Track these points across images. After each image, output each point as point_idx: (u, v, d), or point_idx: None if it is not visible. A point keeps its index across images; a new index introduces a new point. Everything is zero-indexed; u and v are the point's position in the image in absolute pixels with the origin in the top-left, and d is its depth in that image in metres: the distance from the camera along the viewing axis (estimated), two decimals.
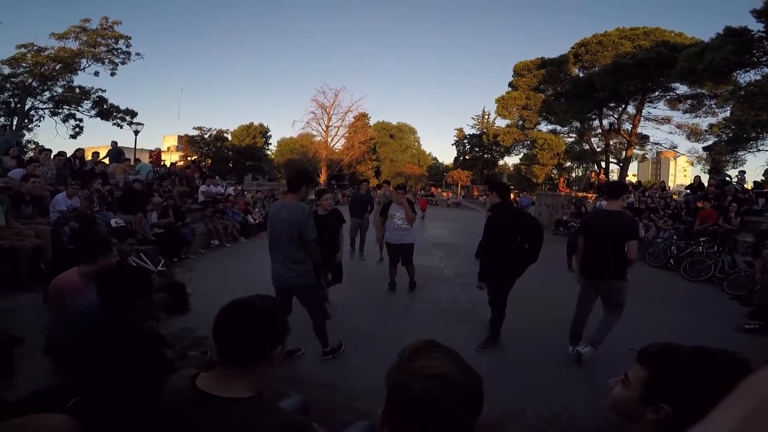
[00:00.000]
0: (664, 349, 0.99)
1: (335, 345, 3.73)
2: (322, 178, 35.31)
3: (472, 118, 43.93)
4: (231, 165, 37.45)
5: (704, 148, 23.97)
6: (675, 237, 9.60)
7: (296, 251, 3.27)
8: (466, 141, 42.46)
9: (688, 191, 12.82)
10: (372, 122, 44.78)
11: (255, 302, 1.23)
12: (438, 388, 0.78)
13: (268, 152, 43.61)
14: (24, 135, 23.90)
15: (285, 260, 3.30)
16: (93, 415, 1.52)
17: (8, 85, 22.52)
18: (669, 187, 15.97)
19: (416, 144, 54.84)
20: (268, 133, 42.62)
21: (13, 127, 22.87)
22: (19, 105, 23.11)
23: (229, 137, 39.05)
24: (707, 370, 0.88)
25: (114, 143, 12.37)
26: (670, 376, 0.93)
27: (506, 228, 3.80)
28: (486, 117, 41.28)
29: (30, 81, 22.85)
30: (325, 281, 4.06)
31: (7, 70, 22.22)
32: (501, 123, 36.84)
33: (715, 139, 22.11)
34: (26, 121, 23.88)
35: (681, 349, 0.96)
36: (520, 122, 33.74)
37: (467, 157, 42.30)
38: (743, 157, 20.85)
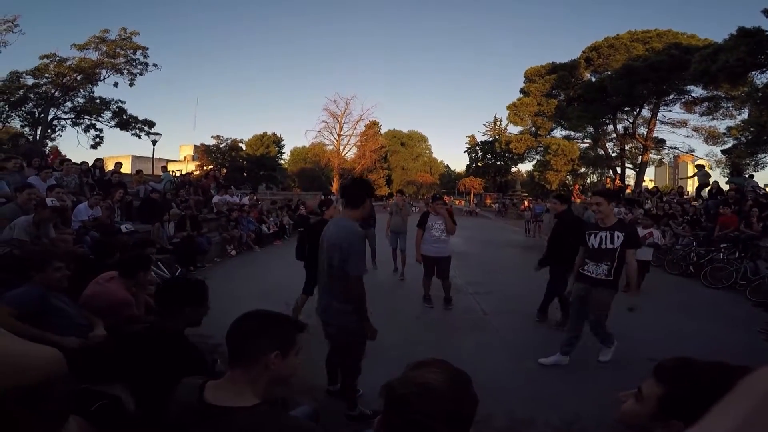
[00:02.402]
0: (682, 365, 0.95)
1: (366, 411, 2.86)
2: (335, 186, 35.55)
3: (484, 125, 43.91)
4: (245, 174, 37.97)
5: (723, 152, 23.47)
6: (695, 243, 9.39)
7: (338, 285, 2.53)
8: (478, 148, 42.30)
9: (707, 197, 12.51)
10: (383, 130, 45.07)
11: (264, 310, 1.31)
12: (417, 394, 0.86)
13: (282, 161, 44.14)
14: (47, 144, 24.69)
15: (327, 292, 2.64)
16: (118, 418, 1.56)
17: (32, 96, 23.28)
18: (687, 192, 15.57)
19: (428, 152, 54.84)
20: (282, 143, 43.21)
21: (37, 137, 23.67)
22: (42, 115, 23.85)
23: (244, 147, 39.66)
24: (726, 389, 0.85)
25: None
26: (686, 394, 0.90)
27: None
28: (498, 124, 41.17)
29: (53, 91, 23.59)
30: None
31: (30, 81, 22.98)
32: (513, 130, 36.73)
33: (734, 141, 21.65)
34: (49, 130, 24.63)
35: (698, 365, 0.93)
36: (533, 129, 33.52)
37: (479, 164, 42.11)
38: (764, 159, 20.35)
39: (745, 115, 21.51)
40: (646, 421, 0.95)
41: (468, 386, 0.92)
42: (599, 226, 3.67)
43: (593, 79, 28.45)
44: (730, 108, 23.60)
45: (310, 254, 4.46)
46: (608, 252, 3.56)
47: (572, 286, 3.90)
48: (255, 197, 14.43)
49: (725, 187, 12.05)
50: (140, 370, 1.71)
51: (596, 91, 26.47)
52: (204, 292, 2.05)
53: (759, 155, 20.03)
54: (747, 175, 12.40)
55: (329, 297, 2.62)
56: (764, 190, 12.19)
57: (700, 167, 13.75)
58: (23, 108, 23.44)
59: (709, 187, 12.31)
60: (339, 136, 37.62)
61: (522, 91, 32.97)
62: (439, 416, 0.85)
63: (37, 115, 23.96)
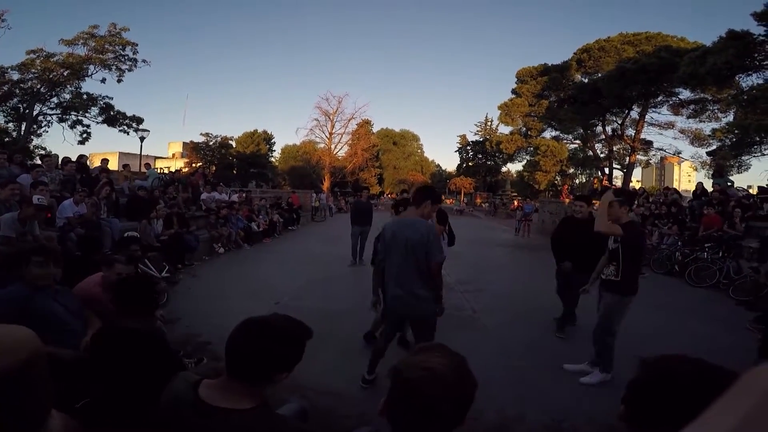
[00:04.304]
0: (654, 359, 0.99)
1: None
2: (326, 185, 35.43)
3: (475, 124, 44.09)
4: (235, 172, 37.66)
5: (708, 153, 23.91)
6: (680, 243, 9.56)
7: (419, 275, 2.94)
8: (469, 148, 42.49)
9: (692, 198, 12.69)
10: (375, 129, 44.93)
11: (273, 323, 1.21)
12: (425, 378, 0.90)
13: (272, 159, 43.83)
14: (32, 140, 24.22)
15: (404, 284, 2.97)
16: (99, 416, 1.53)
17: (17, 91, 22.79)
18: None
19: (419, 151, 54.85)
20: (272, 140, 42.90)
21: (22, 133, 23.20)
22: (27, 111, 23.37)
23: (234, 144, 39.32)
24: (664, 376, 0.90)
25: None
26: (633, 380, 0.97)
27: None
28: (489, 123, 41.38)
29: (39, 87, 23.12)
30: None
31: (16, 76, 22.49)
32: (504, 130, 36.97)
33: (719, 143, 22.04)
34: (35, 126, 24.14)
35: (665, 357, 0.97)
36: (524, 129, 33.78)
37: (470, 164, 42.31)
38: (748, 161, 20.75)
39: (730, 117, 21.91)
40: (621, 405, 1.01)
41: (468, 369, 0.98)
42: None
43: (585, 81, 28.72)
44: (716, 110, 24.03)
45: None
46: (613, 252, 3.51)
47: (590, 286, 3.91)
48: (244, 195, 14.34)
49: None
50: (115, 373, 1.66)
51: (588, 93, 26.71)
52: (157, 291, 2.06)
53: (743, 157, 20.41)
54: (729, 183, 12.48)
55: (411, 288, 2.95)
56: (746, 191, 12.44)
57: (721, 175, 13.56)
58: (8, 103, 22.96)
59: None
60: (330, 134, 37.47)
61: (513, 91, 33.16)
62: (446, 400, 0.90)
63: (22, 110, 23.48)
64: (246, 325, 1.19)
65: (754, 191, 12.43)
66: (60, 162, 8.86)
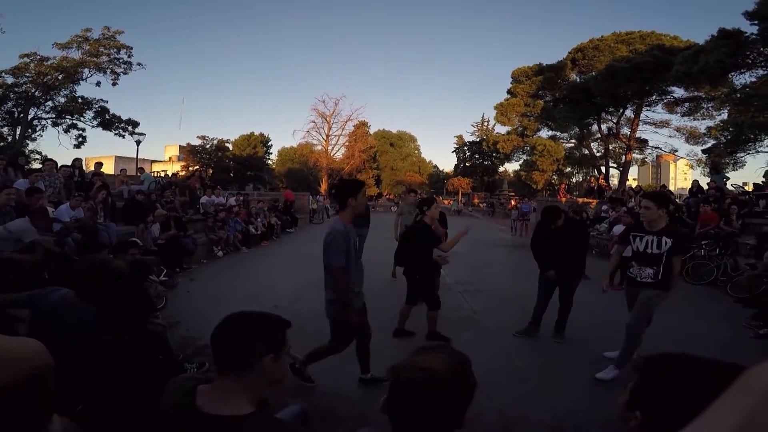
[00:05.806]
0: (654, 358, 0.97)
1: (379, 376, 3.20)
2: (323, 187, 35.41)
3: (472, 125, 44.08)
4: (232, 175, 37.58)
5: (703, 151, 24.03)
6: None
7: (327, 277, 2.94)
8: (466, 148, 42.57)
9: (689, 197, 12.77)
10: (372, 131, 45.01)
11: (250, 311, 1.27)
12: (420, 379, 0.91)
13: (269, 162, 43.79)
14: (27, 145, 24.09)
15: (325, 287, 3.02)
16: (98, 421, 1.52)
17: (11, 95, 22.66)
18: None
19: (416, 152, 54.92)
20: (269, 143, 42.87)
21: (17, 137, 23.05)
22: (22, 115, 23.22)
23: (230, 147, 39.25)
24: (678, 378, 0.87)
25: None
26: (644, 383, 0.93)
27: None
28: (485, 124, 41.45)
29: (33, 90, 22.99)
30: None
31: (10, 80, 22.37)
32: (501, 129, 37.03)
33: (714, 141, 22.17)
34: (29, 131, 24.01)
35: (668, 357, 0.95)
36: (520, 129, 33.87)
37: (467, 164, 42.37)
38: (743, 158, 20.88)
39: (724, 115, 22.05)
40: (625, 411, 0.97)
41: (468, 371, 0.98)
42: (646, 229, 3.49)
43: (579, 80, 28.82)
44: (711, 108, 24.15)
45: (410, 260, 4.38)
46: (653, 257, 3.43)
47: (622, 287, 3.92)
48: (242, 198, 14.32)
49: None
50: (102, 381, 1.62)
51: (581, 92, 26.81)
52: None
53: (738, 154, 20.54)
54: (725, 179, 12.54)
55: (326, 291, 2.98)
56: (742, 188, 12.52)
57: (717, 172, 13.68)
58: (2, 108, 22.84)
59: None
60: (327, 136, 37.46)
61: (509, 91, 33.20)
62: (441, 401, 0.91)
63: (16, 114, 23.35)
64: (224, 319, 1.24)
65: (749, 188, 12.50)
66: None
